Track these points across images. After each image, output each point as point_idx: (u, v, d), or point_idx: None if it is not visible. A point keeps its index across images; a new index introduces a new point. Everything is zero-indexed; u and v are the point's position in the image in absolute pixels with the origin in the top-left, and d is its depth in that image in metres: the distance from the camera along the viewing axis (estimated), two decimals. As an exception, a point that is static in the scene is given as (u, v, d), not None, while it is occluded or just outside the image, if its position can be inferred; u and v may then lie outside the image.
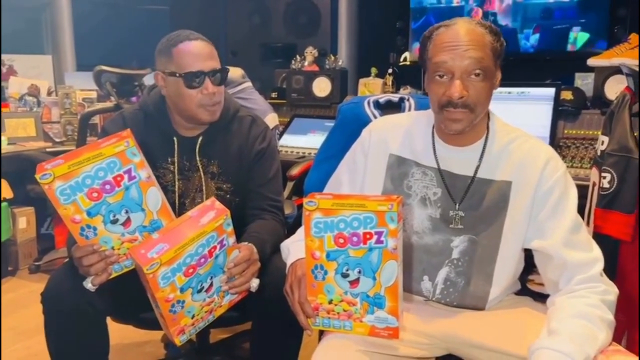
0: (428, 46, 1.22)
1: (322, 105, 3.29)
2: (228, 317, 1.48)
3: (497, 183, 1.26)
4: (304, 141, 3.02)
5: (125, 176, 1.27)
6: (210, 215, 1.22)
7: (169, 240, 1.18)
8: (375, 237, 1.09)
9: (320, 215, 1.11)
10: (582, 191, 1.75)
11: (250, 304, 1.42)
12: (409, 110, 1.64)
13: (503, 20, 3.23)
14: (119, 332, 1.66)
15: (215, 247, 1.24)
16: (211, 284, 1.28)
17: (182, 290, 1.22)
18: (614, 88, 2.38)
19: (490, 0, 3.28)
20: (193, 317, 1.28)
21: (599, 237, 1.59)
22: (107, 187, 1.25)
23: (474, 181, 1.27)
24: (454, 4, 3.35)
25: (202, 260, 1.23)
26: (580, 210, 1.51)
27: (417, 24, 3.43)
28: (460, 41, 1.17)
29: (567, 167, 2.28)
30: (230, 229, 1.26)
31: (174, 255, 1.17)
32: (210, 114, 1.53)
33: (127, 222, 1.29)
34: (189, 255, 1.20)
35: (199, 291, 1.26)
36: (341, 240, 1.11)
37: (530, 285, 1.51)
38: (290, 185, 2.43)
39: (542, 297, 1.30)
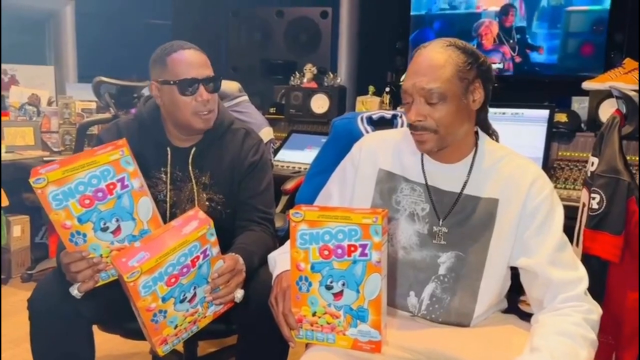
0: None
1: (319, 121, 3.31)
2: (214, 329, 1.48)
3: (484, 200, 1.27)
4: (300, 156, 3.03)
5: (118, 184, 1.27)
6: (193, 224, 1.23)
7: (150, 249, 1.18)
8: (359, 250, 1.10)
9: (306, 227, 1.12)
10: (575, 212, 1.76)
11: (236, 316, 1.42)
12: (402, 127, 1.65)
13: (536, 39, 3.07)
14: (106, 344, 1.65)
15: (198, 257, 1.24)
16: (194, 294, 1.28)
17: (164, 299, 1.22)
18: (608, 111, 2.38)
19: (512, 10, 3.14)
20: (176, 327, 1.28)
21: (588, 258, 1.59)
22: (100, 194, 1.26)
23: (460, 197, 1.28)
24: (463, 10, 3.33)
25: (185, 269, 1.23)
26: (570, 230, 1.51)
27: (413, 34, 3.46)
28: (421, 69, 1.21)
29: (560, 188, 2.31)
30: (213, 239, 1.26)
31: (155, 264, 1.17)
32: (204, 121, 1.55)
33: (117, 230, 1.30)
34: (170, 264, 1.20)
35: (182, 301, 1.26)
36: (326, 252, 1.12)
37: (522, 306, 1.51)
38: (284, 199, 2.44)
39: (530, 317, 1.30)
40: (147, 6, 4.45)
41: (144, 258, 1.16)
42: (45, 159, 3.16)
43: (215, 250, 1.29)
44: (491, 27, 3.27)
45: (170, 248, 1.19)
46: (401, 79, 3.45)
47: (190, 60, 1.51)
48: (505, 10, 3.20)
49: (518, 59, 3.16)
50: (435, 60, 1.21)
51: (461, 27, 3.35)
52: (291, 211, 1.13)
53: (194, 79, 1.50)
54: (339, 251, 1.11)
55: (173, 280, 1.21)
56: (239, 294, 1.34)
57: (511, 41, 3.19)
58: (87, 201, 1.25)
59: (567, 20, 3.00)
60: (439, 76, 1.20)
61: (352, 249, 1.10)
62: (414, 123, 1.22)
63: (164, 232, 1.24)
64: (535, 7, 3.10)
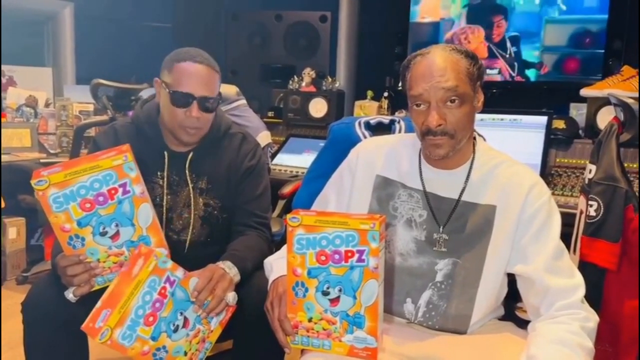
0: (407, 76, 1.25)
1: (317, 125, 3.31)
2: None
3: (481, 207, 1.27)
4: (298, 160, 3.03)
5: (120, 190, 1.27)
6: (140, 262, 1.21)
7: (109, 304, 1.17)
8: (356, 256, 1.09)
9: (303, 232, 1.11)
10: (572, 219, 1.76)
11: (232, 321, 1.41)
12: (400, 132, 1.65)
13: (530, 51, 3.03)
14: (99, 347, 1.62)
15: (165, 288, 1.23)
16: (186, 319, 1.28)
17: (154, 338, 1.22)
18: (606, 118, 2.39)
19: (498, 20, 3.09)
20: (186, 354, 1.28)
21: (585, 265, 1.59)
22: (101, 198, 1.26)
23: (458, 204, 1.27)
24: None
25: (157, 304, 1.22)
26: (568, 237, 1.51)
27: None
28: (434, 71, 1.19)
29: (558, 195, 2.31)
30: (170, 264, 1.25)
31: (120, 315, 1.16)
32: (188, 136, 1.53)
33: (115, 235, 1.30)
34: (138, 307, 1.19)
35: (176, 331, 1.25)
36: (323, 258, 1.11)
37: (518, 313, 1.50)
38: (281, 203, 2.43)
39: (527, 324, 1.29)
40: (147, 9, 4.44)
41: (107, 315, 1.16)
42: (42, 160, 3.15)
43: (180, 272, 1.27)
44: (465, 36, 3.21)
45: (127, 295, 1.17)
46: (398, 87, 3.47)
47: (193, 75, 1.48)
48: (489, 23, 3.13)
49: (518, 79, 3.09)
50: (445, 62, 1.20)
51: (420, 40, 3.33)
52: (288, 216, 1.13)
53: (189, 94, 1.47)
54: (336, 257, 1.10)
55: (151, 319, 1.21)
56: (231, 297, 1.33)
57: (507, 56, 3.11)
58: (88, 205, 1.25)
59: (565, 27, 2.99)
60: (455, 75, 1.19)
61: (350, 254, 1.09)
62: (435, 128, 1.20)
63: (118, 282, 1.22)
64: (533, 14, 3.09)
